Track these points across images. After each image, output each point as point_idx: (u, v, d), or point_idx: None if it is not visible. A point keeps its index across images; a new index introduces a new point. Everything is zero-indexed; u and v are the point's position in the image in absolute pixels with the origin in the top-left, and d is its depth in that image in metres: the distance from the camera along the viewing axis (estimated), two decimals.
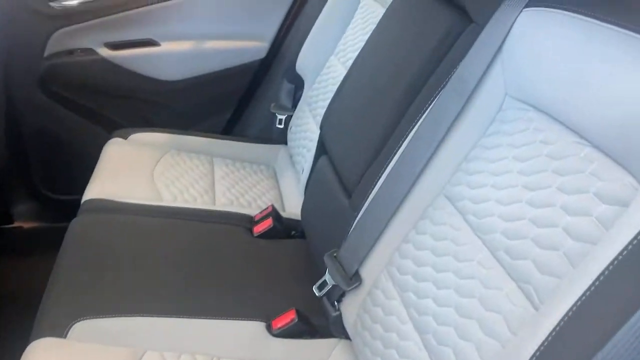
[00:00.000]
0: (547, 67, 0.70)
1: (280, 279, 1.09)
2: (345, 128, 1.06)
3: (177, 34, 1.69)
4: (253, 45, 1.74)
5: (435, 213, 0.81)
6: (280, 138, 1.72)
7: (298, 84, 1.70)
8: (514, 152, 0.72)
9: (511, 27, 0.76)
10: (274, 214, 1.27)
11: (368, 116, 0.99)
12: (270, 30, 1.73)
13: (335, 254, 0.92)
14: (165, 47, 1.69)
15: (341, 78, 1.39)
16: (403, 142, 0.87)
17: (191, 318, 0.96)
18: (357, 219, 0.91)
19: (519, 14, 0.75)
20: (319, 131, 1.38)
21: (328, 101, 1.41)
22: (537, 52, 0.72)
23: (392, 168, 0.87)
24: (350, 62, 1.37)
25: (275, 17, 1.72)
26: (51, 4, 1.57)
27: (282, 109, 1.72)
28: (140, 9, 1.63)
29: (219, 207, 1.36)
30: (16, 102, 1.63)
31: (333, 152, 1.10)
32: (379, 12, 1.33)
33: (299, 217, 1.36)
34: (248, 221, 1.29)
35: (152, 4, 1.63)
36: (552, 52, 0.70)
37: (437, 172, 0.83)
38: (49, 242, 1.59)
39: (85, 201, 1.26)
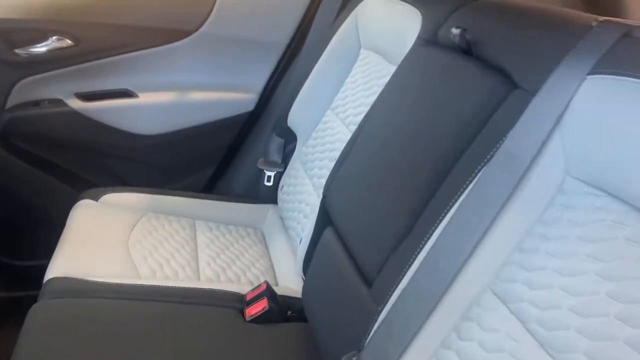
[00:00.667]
0: (624, 147, 0.58)
1: None
2: (358, 201, 0.92)
3: (156, 85, 1.55)
4: (240, 97, 1.60)
5: (484, 314, 0.67)
6: (268, 196, 1.58)
7: (289, 139, 1.57)
8: (589, 248, 0.59)
9: (572, 96, 0.64)
10: (268, 293, 1.11)
11: (388, 189, 0.85)
12: (259, 81, 1.61)
13: (354, 358, 0.77)
14: (144, 98, 1.54)
15: (341, 136, 1.26)
16: (438, 224, 0.73)
17: None
18: (382, 315, 0.76)
19: (582, 81, 0.64)
20: (318, 195, 1.24)
21: (326, 160, 1.28)
22: (608, 127, 0.60)
23: (427, 256, 0.73)
24: (352, 118, 1.25)
25: (265, 68, 1.60)
26: (17, 50, 1.41)
27: (271, 164, 1.57)
28: (116, 57, 1.48)
29: (204, 282, 1.20)
30: None
31: (343, 227, 0.95)
32: (384, 66, 1.22)
33: (295, 294, 1.20)
34: (238, 301, 1.12)
35: (129, 51, 1.49)
36: (629, 128, 0.58)
37: (483, 263, 0.69)
38: (6, 315, 1.40)
39: (48, 281, 1.08)
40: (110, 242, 1.24)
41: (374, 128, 0.98)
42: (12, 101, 1.44)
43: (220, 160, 1.67)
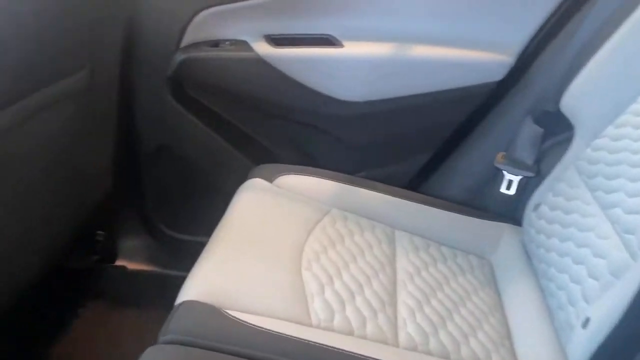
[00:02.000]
0: None
1: None
2: None
3: (368, 32, 1.11)
4: (486, 59, 1.08)
5: None
6: (504, 210, 1.07)
7: (553, 129, 1.03)
8: None
9: None
10: None
11: None
12: (518, 36, 1.07)
13: None
14: (350, 49, 1.12)
15: None
16: None
17: None
18: None
19: None
20: (627, 249, 0.70)
21: None
22: None
23: None
24: None
25: (532, 17, 1.06)
26: None
27: (517, 165, 1.06)
28: None
29: (403, 351, 0.75)
30: (136, 107, 1.17)
31: None
32: None
33: None
34: None
35: None
36: None
37: None
38: (154, 293, 1.17)
39: (182, 305, 0.72)
40: (278, 251, 0.85)
41: None
42: (188, 39, 1.12)
43: (440, 147, 1.19)
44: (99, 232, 1.30)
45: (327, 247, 0.90)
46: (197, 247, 0.86)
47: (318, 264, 0.85)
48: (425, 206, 1.06)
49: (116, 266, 1.35)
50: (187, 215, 1.31)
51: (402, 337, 0.77)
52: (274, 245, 0.86)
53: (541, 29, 1.06)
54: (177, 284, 0.78)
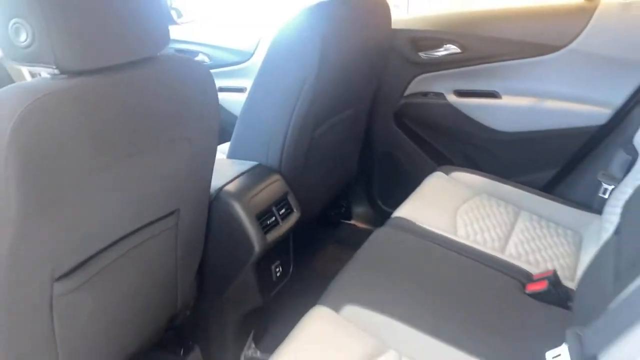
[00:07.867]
0: None
1: (528, 335, 1.12)
2: None
3: (518, 90, 1.81)
4: (593, 110, 1.71)
5: None
6: (601, 208, 1.65)
7: (636, 157, 1.59)
8: None
9: None
10: (553, 278, 1.27)
11: None
12: (617, 97, 1.67)
13: (580, 332, 0.91)
14: (506, 100, 1.83)
15: None
16: None
17: (442, 342, 1.09)
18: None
19: None
20: None
21: None
22: None
23: None
24: None
25: (627, 84, 1.65)
26: (420, 54, 1.90)
27: (611, 178, 1.63)
28: (491, 64, 1.81)
29: (505, 256, 1.44)
30: (374, 129, 2.04)
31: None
32: None
33: None
34: (525, 277, 1.33)
35: (502, 60, 1.80)
36: None
37: None
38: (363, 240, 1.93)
39: (394, 217, 1.52)
40: (445, 206, 1.60)
41: None
42: (408, 91, 1.95)
43: (564, 165, 1.82)
44: (343, 202, 2.20)
45: (473, 208, 1.61)
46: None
47: (466, 215, 1.57)
48: (547, 199, 1.70)
49: (350, 224, 2.23)
50: (393, 196, 2.12)
51: (506, 252, 1.46)
52: (444, 202, 1.61)
53: (636, 92, 1.64)
54: None
